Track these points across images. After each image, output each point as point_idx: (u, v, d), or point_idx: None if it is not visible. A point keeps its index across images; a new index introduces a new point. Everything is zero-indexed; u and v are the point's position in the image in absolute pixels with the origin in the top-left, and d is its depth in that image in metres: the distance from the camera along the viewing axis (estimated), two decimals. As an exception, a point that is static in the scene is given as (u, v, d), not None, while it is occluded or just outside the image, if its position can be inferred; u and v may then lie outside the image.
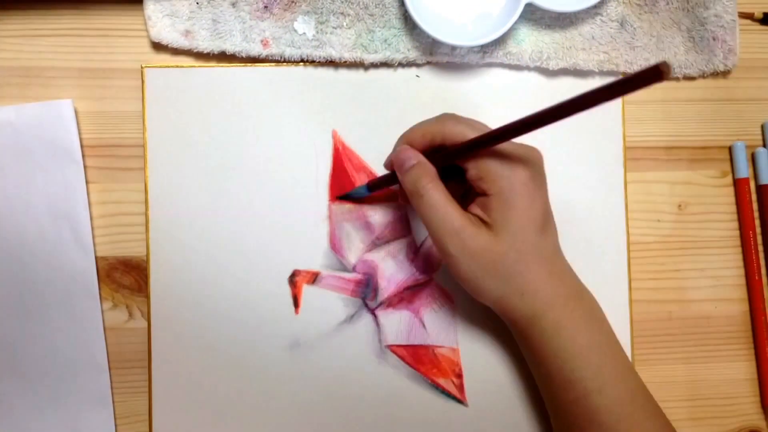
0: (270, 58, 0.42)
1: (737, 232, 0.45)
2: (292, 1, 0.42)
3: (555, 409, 0.38)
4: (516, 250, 0.35)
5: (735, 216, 0.45)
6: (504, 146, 0.36)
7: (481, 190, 0.35)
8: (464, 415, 0.42)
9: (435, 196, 0.35)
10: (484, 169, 0.35)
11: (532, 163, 0.35)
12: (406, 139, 0.37)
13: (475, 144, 0.34)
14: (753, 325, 0.45)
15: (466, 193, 0.38)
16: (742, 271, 0.45)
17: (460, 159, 0.36)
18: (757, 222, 0.45)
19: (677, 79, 0.44)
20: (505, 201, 0.35)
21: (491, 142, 0.34)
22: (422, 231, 0.43)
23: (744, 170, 0.44)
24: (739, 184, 0.44)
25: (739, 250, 0.45)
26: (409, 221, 0.43)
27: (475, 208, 0.36)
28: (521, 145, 0.36)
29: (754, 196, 0.45)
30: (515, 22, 0.40)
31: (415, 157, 0.36)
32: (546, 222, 0.36)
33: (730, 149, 0.45)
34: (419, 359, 0.42)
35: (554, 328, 0.36)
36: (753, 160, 0.45)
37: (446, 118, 0.37)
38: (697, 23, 0.44)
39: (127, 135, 0.42)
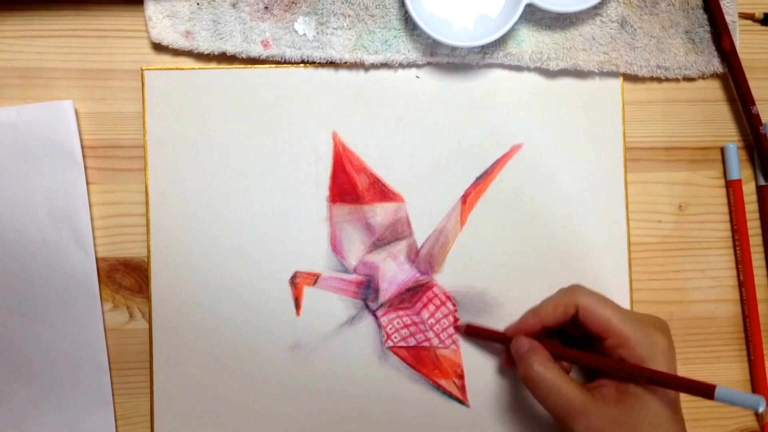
0: (270, 59, 0.42)
1: (747, 224, 0.45)
2: (293, 2, 0.42)
3: None
4: (650, 423, 0.34)
5: (744, 208, 0.45)
6: (640, 313, 0.37)
7: (617, 356, 0.35)
8: (466, 416, 0.42)
9: (549, 377, 0.35)
10: (622, 337, 0.35)
11: (667, 333, 0.36)
12: (538, 314, 0.38)
13: (616, 370, 0.35)
14: (745, 326, 0.44)
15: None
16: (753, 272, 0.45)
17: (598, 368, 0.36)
18: (756, 223, 0.45)
19: (677, 80, 0.45)
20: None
21: (633, 376, 0.35)
22: (423, 232, 0.43)
23: (736, 172, 0.44)
24: (731, 186, 0.44)
25: (740, 248, 0.45)
26: (410, 222, 0.43)
27: (607, 380, 0.36)
28: (650, 315, 0.37)
29: (751, 197, 0.45)
30: (515, 23, 0.40)
31: (527, 343, 0.37)
32: (677, 397, 0.36)
33: (722, 150, 0.45)
34: (420, 360, 0.42)
35: None
36: (752, 160, 0.45)
37: (578, 289, 0.38)
38: (697, 24, 0.44)
39: (128, 136, 0.42)
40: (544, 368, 0.35)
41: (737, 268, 0.45)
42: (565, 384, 0.35)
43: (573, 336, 0.40)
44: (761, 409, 0.30)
